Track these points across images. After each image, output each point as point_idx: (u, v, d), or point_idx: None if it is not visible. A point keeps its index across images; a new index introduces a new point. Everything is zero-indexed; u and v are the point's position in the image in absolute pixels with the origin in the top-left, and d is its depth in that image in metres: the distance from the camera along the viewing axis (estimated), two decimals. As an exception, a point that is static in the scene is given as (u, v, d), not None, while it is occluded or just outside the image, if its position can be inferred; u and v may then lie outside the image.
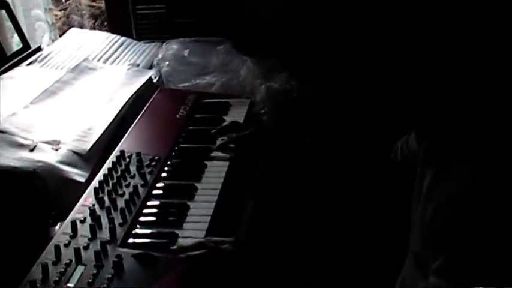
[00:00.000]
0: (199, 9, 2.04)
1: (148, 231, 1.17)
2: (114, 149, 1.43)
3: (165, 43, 1.78)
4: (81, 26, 2.56)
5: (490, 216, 0.78)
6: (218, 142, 1.45)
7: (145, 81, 1.68)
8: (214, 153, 1.41)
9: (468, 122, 0.87)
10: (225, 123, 1.49)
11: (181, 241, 1.13)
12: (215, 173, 1.34)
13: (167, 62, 1.69)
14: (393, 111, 0.91)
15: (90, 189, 1.25)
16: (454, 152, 0.85)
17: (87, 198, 1.23)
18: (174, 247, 1.11)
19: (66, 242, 1.10)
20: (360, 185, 1.83)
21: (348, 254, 1.41)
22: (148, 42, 1.98)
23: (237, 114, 1.55)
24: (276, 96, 1.68)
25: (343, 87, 0.90)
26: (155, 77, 1.70)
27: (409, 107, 0.88)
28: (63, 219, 1.24)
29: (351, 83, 0.88)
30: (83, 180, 1.33)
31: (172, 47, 1.74)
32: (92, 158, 1.41)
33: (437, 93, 0.87)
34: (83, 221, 1.16)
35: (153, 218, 1.20)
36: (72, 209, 1.22)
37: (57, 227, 1.23)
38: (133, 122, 1.56)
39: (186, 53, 1.72)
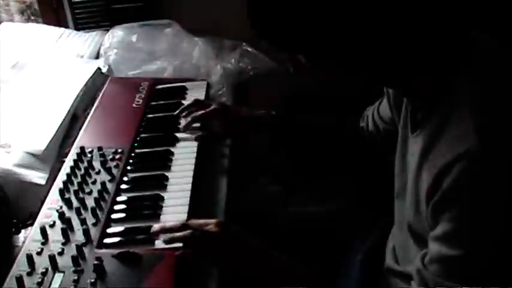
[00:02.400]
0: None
1: (124, 227, 1.10)
2: (69, 146, 1.35)
3: (110, 30, 1.69)
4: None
5: (497, 178, 0.77)
6: (182, 122, 1.39)
7: (94, 72, 1.59)
8: (181, 135, 1.36)
9: (458, 80, 0.85)
10: (187, 103, 1.44)
11: (163, 221, 1.09)
12: (183, 160, 1.28)
13: (115, 50, 1.60)
14: (374, 70, 0.89)
15: (54, 191, 1.17)
16: (450, 115, 0.83)
17: (53, 200, 1.15)
18: (155, 229, 1.05)
19: (39, 250, 1.02)
20: (333, 156, 1.82)
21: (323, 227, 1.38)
22: (88, 32, 1.88)
23: (195, 97, 1.48)
24: (232, 76, 1.64)
25: (322, 51, 0.87)
26: (104, 67, 1.61)
27: (394, 63, 0.86)
28: (26, 226, 1.17)
29: (329, 46, 0.85)
30: (43, 182, 1.26)
31: (119, 33, 1.65)
32: (48, 158, 1.33)
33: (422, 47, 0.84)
34: (52, 225, 1.08)
35: (127, 214, 1.13)
36: (36, 214, 1.15)
37: (21, 235, 1.15)
38: (86, 115, 1.48)
39: (133, 38, 1.63)
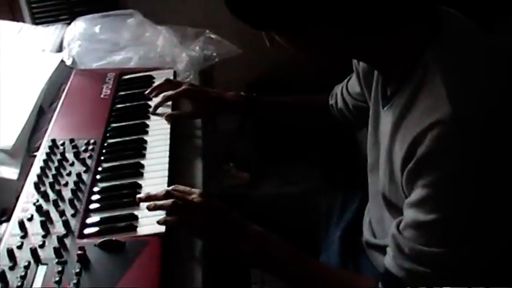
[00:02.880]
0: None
1: (104, 216, 1.09)
2: (39, 140, 1.34)
3: (73, 21, 1.66)
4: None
5: (469, 143, 0.79)
6: (153, 103, 1.41)
7: (58, 65, 1.57)
8: (152, 123, 1.37)
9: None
10: (158, 82, 1.44)
11: (142, 208, 1.09)
12: (157, 147, 1.28)
13: (79, 42, 1.58)
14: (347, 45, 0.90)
15: (29, 185, 1.15)
16: (420, 86, 0.85)
17: (28, 194, 1.13)
18: (140, 196, 1.09)
19: (19, 244, 1.01)
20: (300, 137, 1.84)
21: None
22: (48, 26, 1.84)
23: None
24: (197, 64, 1.63)
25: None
26: (68, 59, 1.58)
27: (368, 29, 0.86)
28: (1, 222, 1.15)
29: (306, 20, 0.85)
30: (15, 177, 1.24)
31: (81, 25, 1.63)
32: (18, 153, 1.31)
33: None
34: (30, 219, 1.07)
35: (106, 203, 1.13)
36: (9, 210, 1.14)
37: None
38: (53, 109, 1.47)
39: (97, 29, 1.61)
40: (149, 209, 1.05)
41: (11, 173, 1.24)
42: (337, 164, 2.24)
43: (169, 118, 1.36)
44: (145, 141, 1.30)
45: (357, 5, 0.81)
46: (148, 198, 1.07)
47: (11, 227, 1.05)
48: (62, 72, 1.59)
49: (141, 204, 1.11)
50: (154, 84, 1.44)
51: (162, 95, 1.39)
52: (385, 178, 0.97)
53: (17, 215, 1.08)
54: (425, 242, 0.84)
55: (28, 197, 1.12)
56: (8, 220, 1.16)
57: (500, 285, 0.88)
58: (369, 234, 1.15)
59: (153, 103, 1.41)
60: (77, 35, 1.60)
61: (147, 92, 1.42)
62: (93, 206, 1.12)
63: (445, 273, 0.84)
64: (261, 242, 1.03)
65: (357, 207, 1.29)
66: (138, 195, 1.09)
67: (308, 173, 2.33)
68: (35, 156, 1.31)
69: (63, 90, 1.56)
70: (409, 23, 0.87)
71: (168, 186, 1.15)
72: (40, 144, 1.35)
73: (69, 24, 1.82)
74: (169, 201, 1.03)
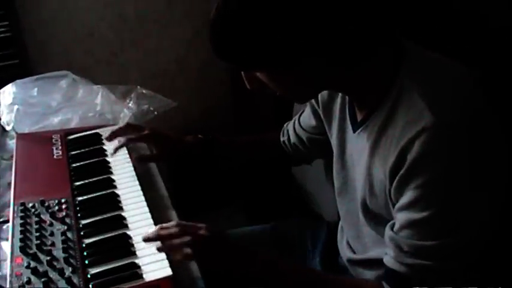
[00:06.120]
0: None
1: (105, 269, 1.08)
2: None
3: (8, 86, 1.61)
4: None
5: (455, 143, 0.90)
6: (111, 147, 1.43)
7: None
8: (111, 159, 1.42)
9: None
10: (117, 126, 1.46)
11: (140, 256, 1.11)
12: (132, 198, 1.29)
13: (16, 106, 1.54)
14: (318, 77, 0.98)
15: (14, 250, 1.11)
16: (395, 107, 0.96)
17: (17, 259, 1.09)
18: (148, 235, 1.08)
19: (26, 309, 0.97)
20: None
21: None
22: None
23: (113, 142, 1.47)
24: (139, 118, 1.65)
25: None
26: (8, 125, 1.54)
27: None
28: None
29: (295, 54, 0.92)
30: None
31: (15, 89, 1.58)
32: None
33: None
34: (28, 282, 1.03)
35: (101, 256, 1.11)
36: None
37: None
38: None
39: (35, 92, 1.58)
40: (164, 251, 1.07)
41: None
42: (264, 202, 2.32)
43: (138, 159, 1.41)
44: (118, 195, 1.30)
45: (341, 33, 0.90)
46: (159, 238, 1.07)
47: (12, 294, 1.01)
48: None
49: (138, 252, 1.12)
50: (115, 128, 1.45)
51: (124, 138, 1.40)
52: (365, 192, 1.05)
53: (11, 280, 1.04)
54: (422, 237, 0.93)
55: (17, 261, 1.08)
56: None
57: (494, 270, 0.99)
58: (349, 252, 1.23)
59: (109, 158, 1.43)
60: (13, 99, 1.56)
61: (106, 136, 1.42)
62: (88, 260, 1.10)
63: (443, 262, 0.94)
64: (272, 259, 1.09)
65: (326, 232, 1.37)
66: (146, 235, 1.08)
67: (234, 217, 2.38)
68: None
69: (1, 156, 1.53)
70: (378, 49, 0.98)
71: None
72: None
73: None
74: (185, 238, 1.04)
